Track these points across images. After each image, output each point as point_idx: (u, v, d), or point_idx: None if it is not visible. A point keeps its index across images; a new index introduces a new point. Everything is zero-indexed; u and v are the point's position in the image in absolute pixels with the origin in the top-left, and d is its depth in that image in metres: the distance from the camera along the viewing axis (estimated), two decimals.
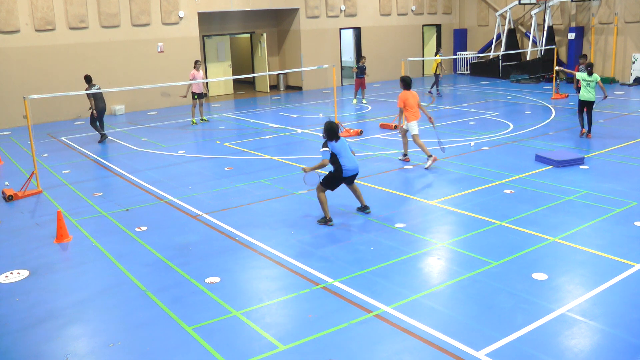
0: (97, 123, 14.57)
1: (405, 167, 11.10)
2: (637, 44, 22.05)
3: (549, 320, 5.40)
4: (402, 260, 6.87)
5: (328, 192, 8.36)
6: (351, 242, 7.46)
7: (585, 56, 14.04)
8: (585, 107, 12.94)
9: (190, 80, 16.32)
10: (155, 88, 18.73)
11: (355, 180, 8.69)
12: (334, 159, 8.06)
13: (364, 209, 8.56)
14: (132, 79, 19.25)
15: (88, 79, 14.57)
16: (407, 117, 11.17)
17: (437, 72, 20.52)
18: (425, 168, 10.86)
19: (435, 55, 20.96)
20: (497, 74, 25.50)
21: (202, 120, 17.21)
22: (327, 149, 8.02)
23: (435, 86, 21.06)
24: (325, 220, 8.24)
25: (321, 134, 8.27)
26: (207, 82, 17.46)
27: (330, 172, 8.18)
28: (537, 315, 5.49)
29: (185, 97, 17.34)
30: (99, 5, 18.84)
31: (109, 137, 15.03)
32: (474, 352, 4.91)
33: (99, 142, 14.60)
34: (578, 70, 14.02)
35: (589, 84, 12.65)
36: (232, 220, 8.45)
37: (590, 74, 12.65)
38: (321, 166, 8.08)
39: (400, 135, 11.80)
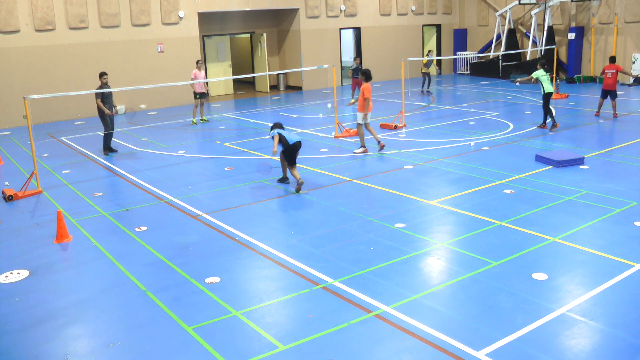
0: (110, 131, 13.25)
1: (405, 167, 11.10)
2: (637, 44, 22.06)
3: (549, 320, 5.40)
4: (402, 260, 6.87)
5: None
6: (351, 242, 7.46)
7: (543, 60, 14.88)
8: (548, 99, 13.87)
9: (192, 79, 16.28)
10: (155, 88, 18.72)
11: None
12: (281, 137, 9.72)
13: (284, 180, 10.23)
14: (132, 79, 19.26)
15: (102, 73, 12.99)
16: (360, 107, 12.14)
17: (424, 72, 21.39)
18: (354, 152, 12.28)
19: (426, 56, 21.52)
20: (497, 74, 25.50)
21: (202, 120, 17.17)
22: (274, 130, 9.81)
23: (423, 85, 21.77)
24: (299, 186, 9.67)
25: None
26: (207, 83, 17.37)
27: (282, 150, 9.88)
28: (537, 315, 5.50)
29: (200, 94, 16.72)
30: (99, 5, 18.85)
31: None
32: (474, 352, 4.92)
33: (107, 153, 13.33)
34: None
35: (548, 78, 13.90)
36: (232, 220, 8.45)
37: (547, 70, 14.00)
38: (277, 141, 9.69)
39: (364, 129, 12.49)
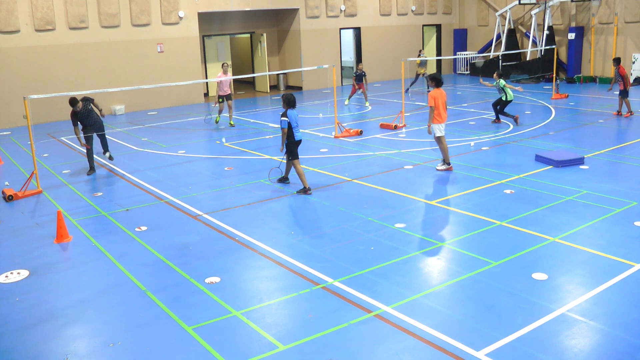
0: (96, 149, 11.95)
1: (405, 167, 11.10)
2: (637, 44, 22.05)
3: (549, 320, 5.40)
4: (402, 260, 6.87)
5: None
6: (351, 242, 7.46)
7: (499, 70, 15.78)
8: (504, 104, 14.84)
9: (218, 83, 15.78)
10: (155, 88, 18.73)
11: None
12: (289, 127, 9.36)
13: (284, 180, 10.21)
14: (132, 79, 19.26)
15: (73, 102, 11.20)
16: (432, 118, 10.53)
17: (421, 72, 21.34)
18: (437, 169, 10.73)
19: (418, 56, 21.69)
20: None
21: (216, 121, 16.54)
22: (285, 118, 9.32)
23: (412, 85, 22.07)
24: (305, 190, 9.52)
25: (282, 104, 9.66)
26: (232, 85, 16.51)
27: (286, 143, 9.54)
28: (537, 315, 5.50)
29: (218, 102, 16.11)
30: (99, 5, 18.85)
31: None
32: (474, 352, 4.92)
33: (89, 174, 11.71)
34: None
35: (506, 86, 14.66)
36: (232, 220, 8.45)
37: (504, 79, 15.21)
38: (284, 136, 9.39)
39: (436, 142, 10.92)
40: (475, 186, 9.66)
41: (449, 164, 10.66)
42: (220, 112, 16.57)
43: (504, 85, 14.59)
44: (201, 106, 20.78)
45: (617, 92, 15.60)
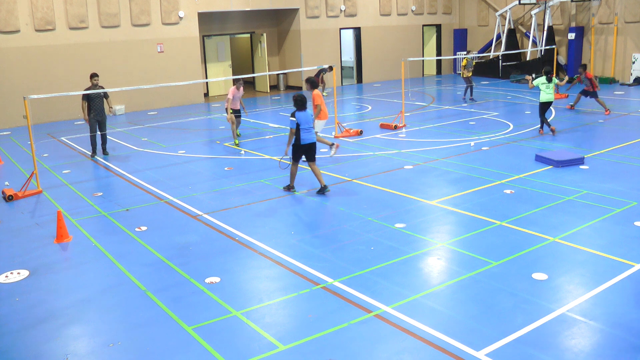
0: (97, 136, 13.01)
1: (405, 167, 11.10)
2: (637, 44, 22.05)
3: (549, 320, 5.40)
4: (402, 260, 6.87)
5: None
6: (351, 242, 7.46)
7: (548, 67, 14.15)
8: (547, 107, 13.54)
9: (229, 98, 13.94)
10: (155, 88, 18.73)
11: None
12: (297, 129, 9.24)
13: (323, 189, 9.49)
14: (132, 79, 19.26)
15: (92, 74, 12.65)
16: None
17: (465, 77, 19.04)
18: (331, 156, 11.64)
19: (463, 60, 19.21)
20: (497, 74, 25.50)
21: (236, 143, 13.98)
22: (293, 119, 9.20)
23: (466, 92, 19.43)
24: (289, 187, 9.68)
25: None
26: (242, 103, 14.39)
27: (293, 144, 9.41)
28: (537, 315, 5.50)
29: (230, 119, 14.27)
30: (99, 5, 18.84)
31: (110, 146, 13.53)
32: (474, 352, 4.92)
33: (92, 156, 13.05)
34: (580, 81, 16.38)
35: (548, 86, 13.40)
36: (232, 220, 8.45)
37: (550, 80, 13.39)
38: (291, 136, 9.29)
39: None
40: (475, 186, 9.66)
41: (332, 144, 11.53)
42: (236, 128, 14.31)
43: (541, 83, 13.28)
44: (201, 106, 20.78)
45: (579, 91, 16.79)
